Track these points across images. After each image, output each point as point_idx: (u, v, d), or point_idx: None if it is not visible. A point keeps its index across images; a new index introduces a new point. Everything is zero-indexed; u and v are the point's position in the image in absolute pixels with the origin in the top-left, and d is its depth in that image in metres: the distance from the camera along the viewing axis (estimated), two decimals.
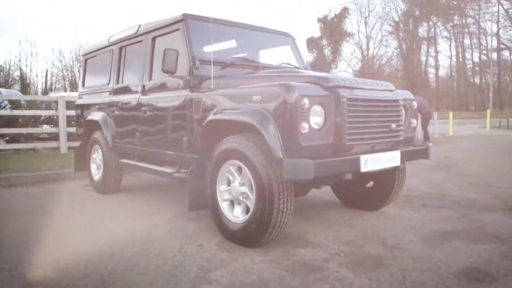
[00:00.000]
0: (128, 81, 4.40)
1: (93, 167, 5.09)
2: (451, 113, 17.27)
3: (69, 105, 8.07)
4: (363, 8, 35.66)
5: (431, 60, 46.79)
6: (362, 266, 2.53)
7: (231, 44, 4.14)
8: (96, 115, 4.87)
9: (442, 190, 4.86)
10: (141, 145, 4.14)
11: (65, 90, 30.33)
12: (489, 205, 4.07)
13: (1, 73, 32.45)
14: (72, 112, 7.08)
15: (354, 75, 34.77)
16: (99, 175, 4.93)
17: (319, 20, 37.63)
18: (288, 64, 4.36)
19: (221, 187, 3.07)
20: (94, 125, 4.88)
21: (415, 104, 3.55)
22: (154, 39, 4.00)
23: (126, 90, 4.41)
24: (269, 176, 2.66)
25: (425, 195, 4.59)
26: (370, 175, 3.69)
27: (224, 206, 3.07)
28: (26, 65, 35.69)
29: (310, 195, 4.38)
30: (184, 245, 2.99)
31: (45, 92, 33.60)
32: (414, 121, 3.55)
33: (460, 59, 45.53)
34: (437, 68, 47.00)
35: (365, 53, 36.55)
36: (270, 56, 4.62)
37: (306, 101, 2.58)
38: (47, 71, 50.80)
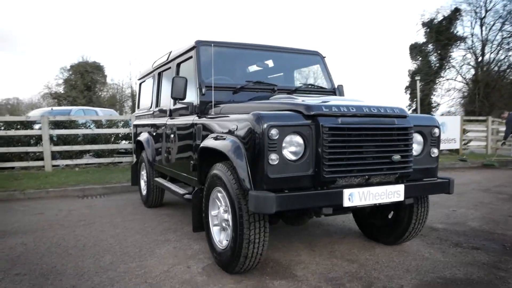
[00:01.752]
0: (163, 105, 4.76)
1: (142, 183, 5.57)
2: None
3: None
4: (478, 8, 32.08)
5: None
6: None
7: (248, 67, 4.22)
8: (142, 136, 5.34)
9: (497, 228, 4.24)
10: (167, 166, 4.44)
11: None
12: None
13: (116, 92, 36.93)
14: None
15: (465, 84, 31.28)
16: (145, 190, 5.38)
17: (424, 24, 34.99)
18: (312, 85, 4.28)
19: (213, 212, 3.15)
20: (141, 145, 5.35)
21: (437, 131, 3.20)
22: (178, 65, 4.28)
23: (161, 113, 4.77)
24: (240, 206, 2.66)
25: (470, 232, 4.05)
26: (387, 207, 3.43)
27: (214, 230, 3.14)
28: (135, 83, 40.21)
29: (337, 221, 4.22)
30: (175, 265, 3.13)
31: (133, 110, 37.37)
32: (435, 150, 3.20)
33: None
34: None
35: (479, 58, 32.74)
36: (303, 76, 4.62)
37: (274, 131, 2.53)
38: None
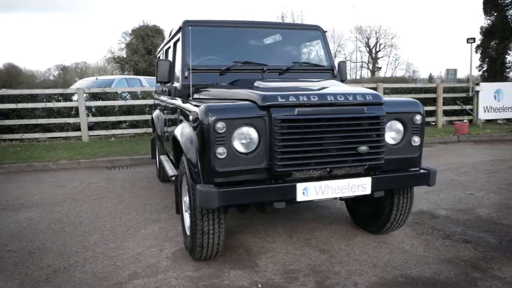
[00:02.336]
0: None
1: (156, 157, 5.78)
2: None
3: None
4: None
5: None
6: None
7: (242, 46, 4.08)
8: (154, 112, 5.48)
9: (506, 217, 3.89)
10: (167, 145, 4.55)
11: None
12: None
13: None
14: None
15: None
16: (158, 165, 5.59)
17: None
18: (307, 63, 4.07)
19: (184, 198, 3.21)
20: (153, 121, 5.51)
21: (418, 118, 2.93)
22: (175, 44, 4.23)
23: (164, 92, 4.82)
24: (194, 198, 2.68)
25: (473, 221, 3.77)
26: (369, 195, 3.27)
27: (186, 216, 3.20)
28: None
29: (334, 205, 4.11)
30: (150, 247, 3.27)
31: None
32: (417, 139, 2.95)
33: None
34: None
35: None
36: (302, 53, 4.41)
37: (220, 125, 2.47)
38: None
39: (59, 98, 9.00)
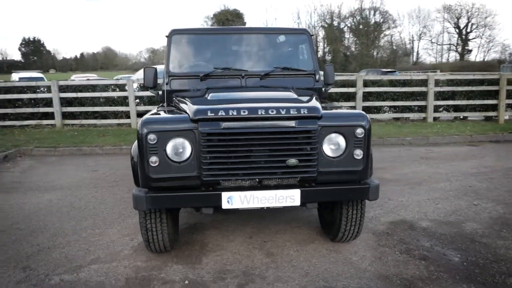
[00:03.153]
0: None
1: None
2: None
3: None
4: None
5: None
6: None
7: (226, 53, 4.25)
8: None
9: (492, 234, 3.64)
10: None
11: None
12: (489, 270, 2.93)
13: None
14: None
15: None
16: None
17: None
18: (287, 68, 4.11)
19: None
20: None
21: (360, 131, 2.90)
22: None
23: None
24: None
25: (452, 236, 3.60)
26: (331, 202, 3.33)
27: None
28: None
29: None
30: (125, 236, 3.69)
31: None
32: (359, 152, 2.93)
33: None
34: None
35: None
36: (287, 57, 4.45)
37: (152, 136, 2.73)
38: None
39: (115, 88, 9.92)
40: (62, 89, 9.64)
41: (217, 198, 2.76)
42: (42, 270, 3.06)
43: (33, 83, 9.93)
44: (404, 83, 10.42)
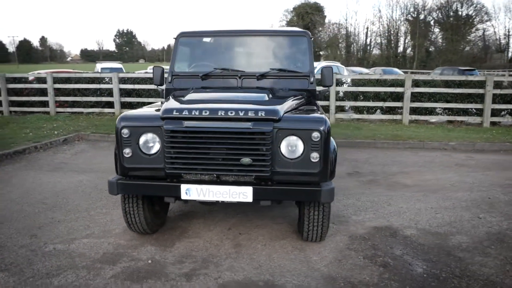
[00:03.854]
0: None
1: None
2: None
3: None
4: None
5: None
6: (130, 279, 3.00)
7: (229, 54, 4.49)
8: None
9: (477, 250, 3.47)
10: None
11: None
12: None
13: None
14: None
15: None
16: None
17: None
18: (283, 70, 4.23)
19: None
20: None
21: (316, 135, 2.98)
22: None
23: None
24: None
25: (427, 248, 3.51)
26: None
27: None
28: (351, 24, 40.97)
29: None
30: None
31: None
32: (316, 155, 3.02)
33: None
34: None
35: None
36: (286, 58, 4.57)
37: (125, 131, 3.10)
38: (367, 28, 54.67)
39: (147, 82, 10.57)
40: (123, 81, 10.60)
41: (176, 189, 3.06)
42: (44, 239, 3.61)
43: (97, 75, 11.05)
44: (460, 84, 9.77)
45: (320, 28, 57.10)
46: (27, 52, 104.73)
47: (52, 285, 2.87)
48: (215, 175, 3.07)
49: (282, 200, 3.29)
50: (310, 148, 3.00)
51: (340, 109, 10.93)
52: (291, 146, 3.04)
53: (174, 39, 4.46)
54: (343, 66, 16.55)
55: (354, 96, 10.45)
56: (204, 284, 2.89)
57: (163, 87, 4.40)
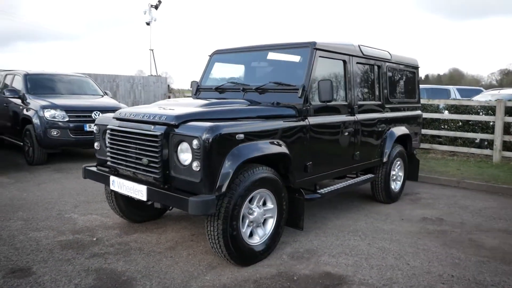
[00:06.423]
0: None
1: None
2: None
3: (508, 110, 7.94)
4: None
5: None
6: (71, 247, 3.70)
7: (247, 68, 4.78)
8: None
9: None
10: None
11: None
12: None
13: None
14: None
15: None
16: None
17: None
18: (277, 83, 4.11)
19: None
20: None
21: (196, 143, 2.97)
22: None
23: None
24: None
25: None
26: None
27: None
28: None
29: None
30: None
31: None
32: (196, 164, 2.99)
33: None
34: None
35: None
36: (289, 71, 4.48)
37: (95, 127, 3.99)
38: None
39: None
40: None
41: (107, 179, 3.63)
42: (57, 208, 4.87)
43: None
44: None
45: None
46: None
47: None
48: (132, 171, 3.46)
49: (167, 204, 3.31)
50: (194, 157, 2.98)
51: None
52: (184, 153, 3.10)
53: (209, 56, 4.97)
54: (482, 89, 13.79)
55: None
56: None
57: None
